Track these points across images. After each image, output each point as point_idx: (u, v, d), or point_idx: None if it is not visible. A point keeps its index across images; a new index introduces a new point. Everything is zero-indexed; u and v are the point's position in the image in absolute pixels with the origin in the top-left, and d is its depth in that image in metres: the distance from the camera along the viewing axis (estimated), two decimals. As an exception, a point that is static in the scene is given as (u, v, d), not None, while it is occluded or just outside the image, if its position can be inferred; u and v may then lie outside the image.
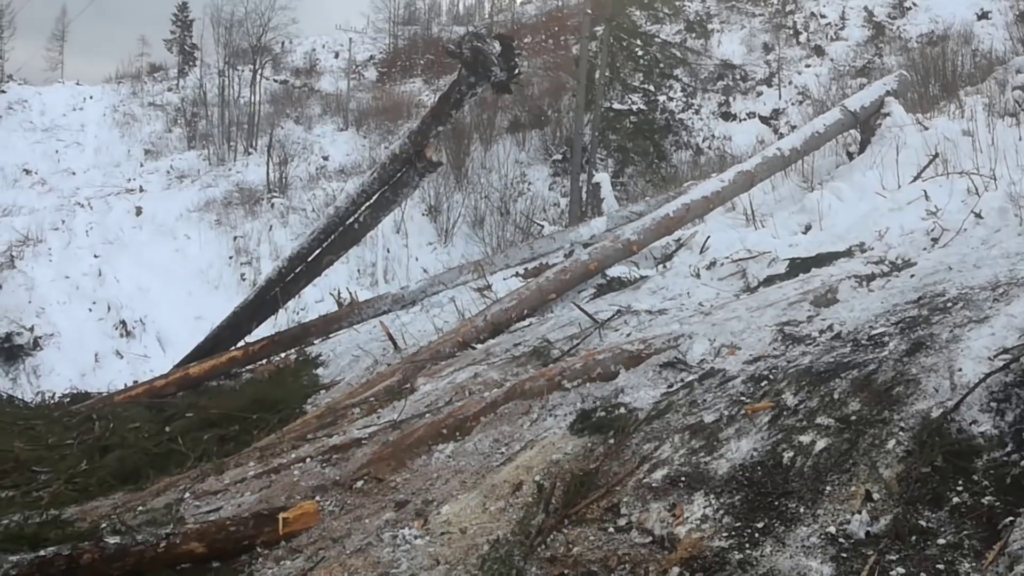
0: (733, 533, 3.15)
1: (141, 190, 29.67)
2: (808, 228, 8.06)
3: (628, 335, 5.97)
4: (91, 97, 39.60)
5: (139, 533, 3.97)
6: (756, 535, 3.10)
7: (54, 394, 10.59)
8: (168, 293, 22.85)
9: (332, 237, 9.83)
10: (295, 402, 7.43)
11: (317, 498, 4.41)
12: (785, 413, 3.83)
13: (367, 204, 9.50)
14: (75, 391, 10.75)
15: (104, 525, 4.38)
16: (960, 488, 3.00)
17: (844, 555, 2.87)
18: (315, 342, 9.94)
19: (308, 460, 5.02)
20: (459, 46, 8.26)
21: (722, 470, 3.58)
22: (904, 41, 25.49)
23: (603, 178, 14.66)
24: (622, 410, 4.58)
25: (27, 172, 30.60)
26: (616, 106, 25.23)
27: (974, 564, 2.68)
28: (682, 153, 25.11)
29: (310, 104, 37.79)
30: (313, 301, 17.42)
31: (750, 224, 8.81)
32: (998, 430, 3.21)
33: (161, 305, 22.24)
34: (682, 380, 4.81)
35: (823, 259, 6.76)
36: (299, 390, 7.88)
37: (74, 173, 31.42)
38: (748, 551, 3.02)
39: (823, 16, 29.15)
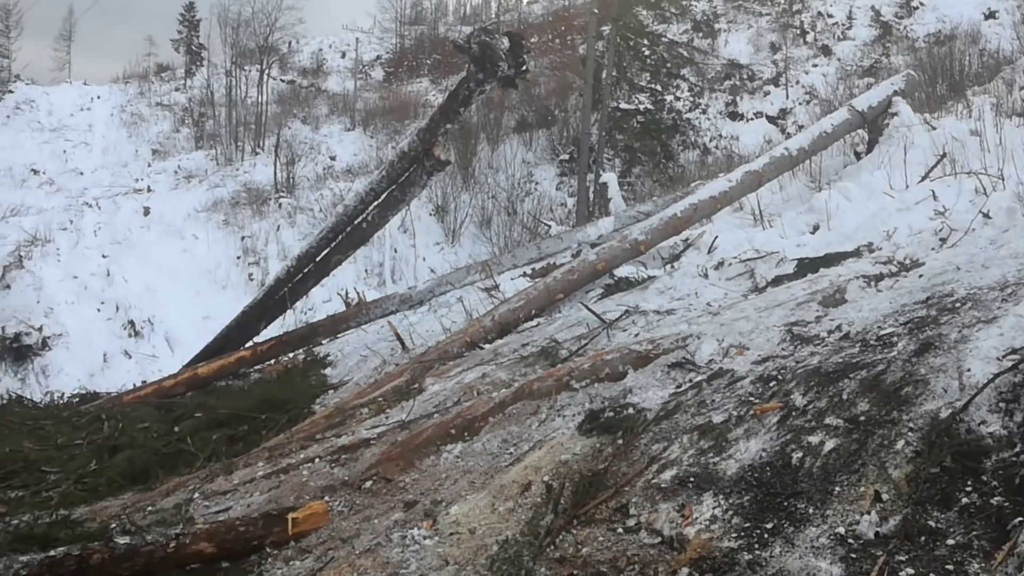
0: (742, 534, 3.15)
1: (149, 190, 29.77)
2: (816, 228, 8.06)
3: (636, 335, 5.97)
4: (98, 97, 39.76)
5: (149, 533, 3.98)
6: (765, 536, 3.10)
7: (63, 394, 10.60)
8: (176, 293, 22.92)
9: (341, 236, 9.83)
10: (304, 402, 7.44)
11: (326, 498, 4.41)
12: (794, 413, 3.83)
13: (375, 203, 9.50)
14: (84, 391, 10.76)
15: (114, 525, 4.40)
16: (969, 489, 3.00)
17: (853, 556, 2.86)
18: (323, 342, 9.95)
19: (317, 460, 5.03)
20: (468, 42, 8.26)
21: (731, 471, 3.58)
22: (911, 41, 25.46)
23: (610, 178, 14.65)
24: (630, 410, 4.57)
25: (35, 172, 30.73)
26: (623, 106, 25.23)
27: (983, 565, 2.67)
28: (689, 153, 25.10)
29: (317, 104, 37.88)
30: (321, 301, 17.45)
31: (758, 224, 8.80)
32: (1007, 430, 3.20)
33: (169, 305, 22.32)
34: (690, 380, 4.81)
35: (831, 259, 6.75)
36: (307, 390, 7.89)
37: (82, 173, 31.54)
38: (757, 552, 3.02)
39: (830, 16, 29.11)
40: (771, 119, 25.59)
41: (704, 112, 26.76)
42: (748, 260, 7.44)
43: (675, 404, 4.47)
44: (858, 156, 10.05)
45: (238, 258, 25.35)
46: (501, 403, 5.04)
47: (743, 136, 24.39)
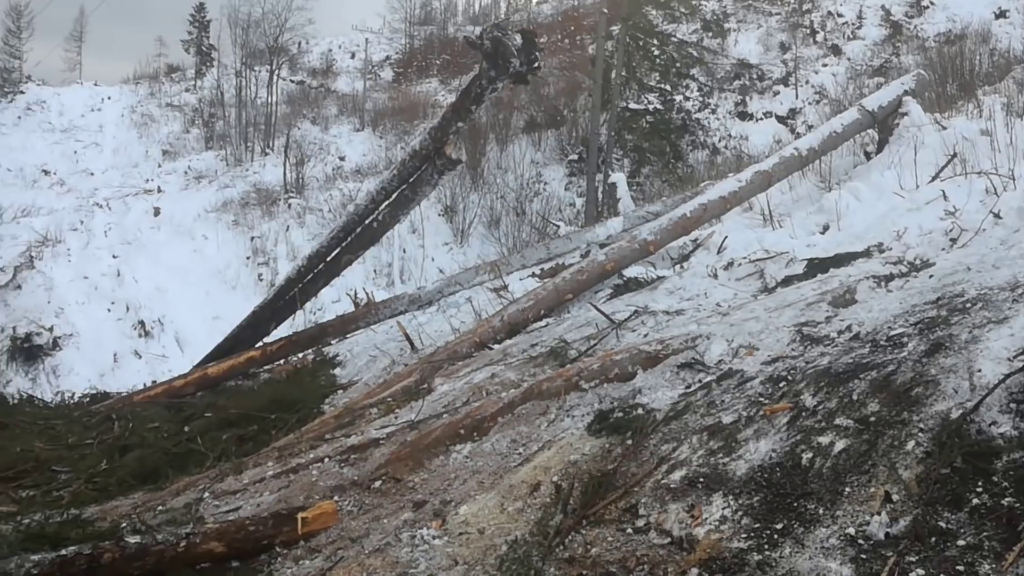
0: (752, 534, 3.14)
1: (159, 191, 29.88)
2: (826, 228, 8.04)
3: (645, 336, 5.96)
4: (109, 98, 39.94)
5: (159, 532, 3.99)
6: (775, 536, 3.09)
7: (73, 394, 10.65)
8: (186, 293, 23.00)
9: (351, 236, 9.84)
10: (313, 402, 7.45)
11: (335, 498, 4.42)
12: (804, 414, 3.82)
13: (387, 202, 9.50)
14: (94, 391, 10.81)
15: (124, 524, 4.41)
16: (980, 489, 2.99)
17: (863, 556, 2.86)
18: (332, 342, 9.96)
19: (326, 460, 5.04)
20: (480, 38, 8.25)
21: (741, 471, 3.58)
22: (921, 40, 25.38)
23: (619, 178, 14.65)
24: (640, 411, 4.57)
25: (46, 173, 30.88)
26: (632, 106, 25.20)
27: (994, 565, 2.67)
28: (699, 153, 25.06)
29: (326, 104, 37.96)
30: (330, 301, 17.48)
31: (767, 224, 8.78)
32: (1018, 431, 3.19)
33: (179, 305, 22.39)
34: (700, 381, 4.80)
35: (841, 259, 6.74)
36: (317, 390, 7.91)
37: (92, 174, 31.69)
38: (767, 552, 3.02)
39: (840, 15, 29.04)
40: (781, 119, 25.54)
41: (714, 112, 26.72)
42: (758, 260, 7.43)
43: (684, 404, 4.46)
44: (868, 156, 10.03)
45: (248, 258, 25.41)
46: (510, 403, 5.04)
47: (753, 136, 24.36)
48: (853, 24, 28.42)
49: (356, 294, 12.02)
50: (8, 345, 19.70)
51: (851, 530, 2.99)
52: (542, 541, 3.45)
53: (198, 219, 27.25)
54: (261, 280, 24.16)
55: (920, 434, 3.35)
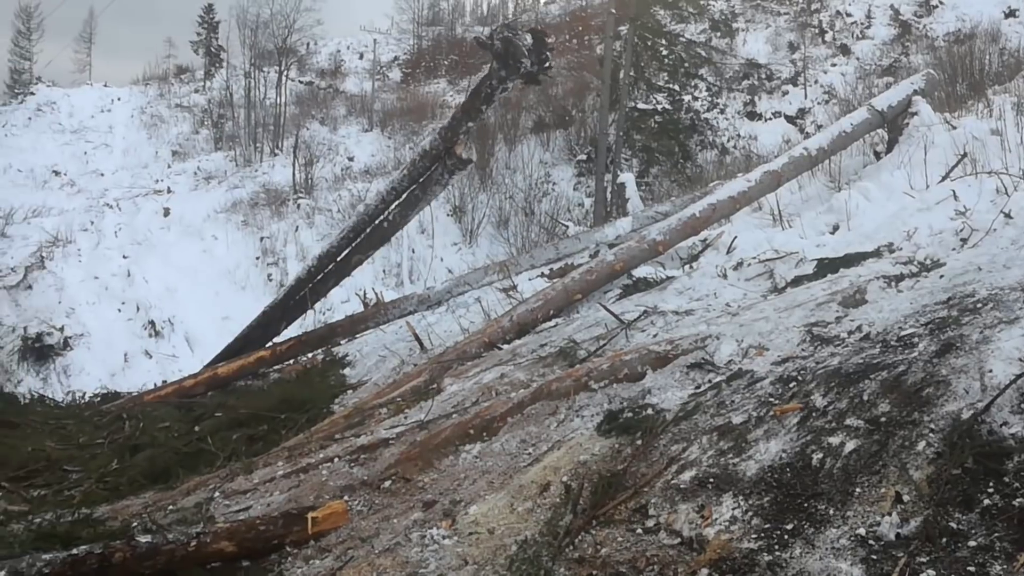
0: (762, 535, 3.14)
1: (169, 191, 29.95)
2: (836, 228, 8.02)
3: (655, 336, 5.96)
4: (119, 99, 40.06)
5: (170, 532, 4.00)
6: (785, 537, 3.09)
7: (84, 394, 10.70)
8: (196, 293, 23.04)
9: (361, 236, 9.85)
10: (323, 402, 7.47)
11: (345, 498, 4.43)
12: (814, 414, 3.82)
13: (397, 202, 9.51)
14: (105, 391, 10.86)
15: (135, 524, 4.43)
16: (991, 490, 2.98)
17: (874, 557, 2.85)
18: (342, 342, 9.98)
19: (336, 460, 5.05)
20: (491, 38, 8.24)
21: (751, 471, 3.57)
22: (931, 40, 25.28)
23: (628, 178, 14.63)
24: (649, 411, 4.57)
25: (56, 173, 30.98)
26: (641, 106, 25.17)
27: (1005, 566, 2.66)
28: (707, 153, 25.01)
29: (335, 105, 38.00)
30: (339, 301, 17.50)
31: (777, 224, 8.77)
32: (1030, 432, 3.18)
33: (189, 305, 22.44)
34: (710, 381, 4.80)
35: (851, 259, 6.72)
36: (327, 390, 7.93)
37: (102, 174, 31.78)
38: (777, 553, 3.02)
39: (849, 15, 28.95)
40: (790, 119, 25.47)
41: (722, 112, 26.67)
42: (767, 260, 7.42)
43: (694, 405, 4.46)
44: (878, 156, 10.00)
45: (257, 259, 25.45)
46: (520, 403, 5.05)
47: (762, 136, 24.30)
48: (862, 24, 28.33)
49: (365, 294, 12.06)
50: (19, 345, 19.76)
51: (862, 531, 2.99)
52: (552, 541, 3.45)
53: (208, 219, 27.31)
54: (270, 280, 24.20)
55: (931, 435, 3.34)
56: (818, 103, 25.21)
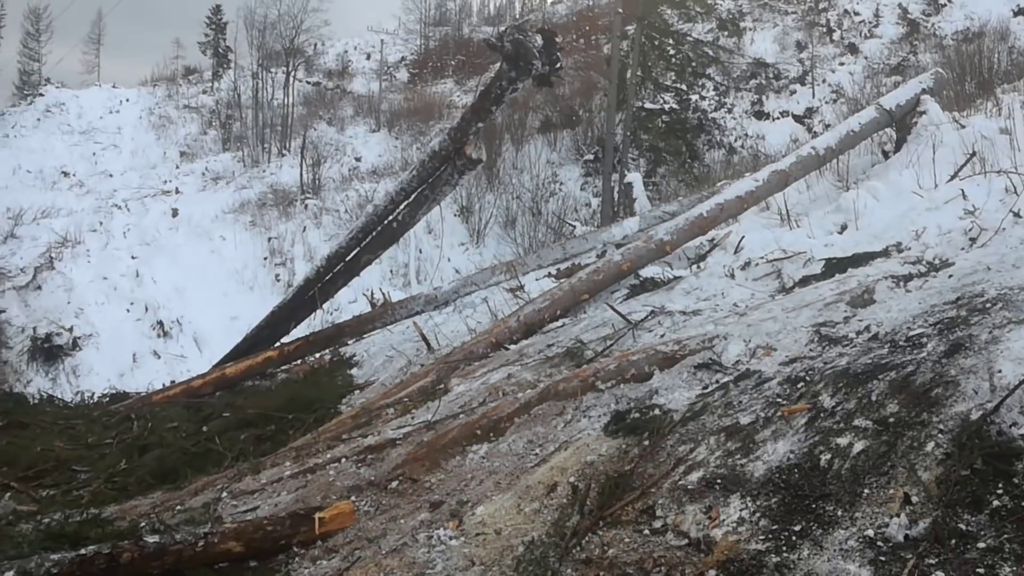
0: (770, 536, 3.13)
1: (177, 192, 30.05)
2: (844, 228, 8.00)
3: (662, 336, 5.95)
4: (127, 100, 40.18)
5: (177, 532, 4.01)
6: (793, 538, 3.08)
7: (93, 394, 10.74)
8: (204, 294, 23.13)
9: (371, 236, 9.87)
10: (330, 402, 7.48)
11: (352, 498, 4.43)
12: (822, 415, 3.80)
13: (406, 202, 9.52)
14: (114, 391, 10.89)
15: (143, 524, 4.44)
16: (1000, 491, 2.96)
17: (883, 558, 2.84)
18: (349, 342, 10.00)
19: (343, 460, 5.05)
20: (501, 40, 8.22)
21: (758, 472, 3.56)
22: (939, 38, 25.23)
23: (635, 178, 14.63)
24: (657, 411, 4.56)
25: (65, 174, 31.10)
26: (648, 105, 25.17)
27: (1015, 568, 2.64)
28: (715, 152, 25.01)
29: (342, 106, 38.07)
30: (347, 301, 17.52)
31: (785, 224, 8.74)
32: (1039, 433, 3.17)
33: (197, 306, 22.52)
34: (717, 381, 4.78)
35: (859, 259, 6.70)
36: (334, 390, 7.94)
37: (111, 175, 31.89)
38: (785, 554, 3.01)
39: (857, 14, 28.90)
40: (797, 118, 25.44)
41: (730, 111, 26.64)
42: (775, 260, 7.40)
43: (702, 405, 4.45)
44: (886, 155, 9.97)
45: (265, 259, 25.52)
46: (527, 404, 5.04)
47: (769, 135, 24.28)
48: (870, 22, 28.28)
49: (373, 294, 12.06)
50: (29, 345, 19.88)
51: (870, 532, 2.98)
52: (559, 542, 3.45)
53: (216, 220, 27.40)
54: (278, 281, 24.28)
55: (940, 435, 3.32)
56: (826, 102, 25.17)
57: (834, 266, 6.72)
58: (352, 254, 10.06)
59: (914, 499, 3.05)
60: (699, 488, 3.61)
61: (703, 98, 26.36)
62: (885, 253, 6.71)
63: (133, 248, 25.29)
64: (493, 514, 3.83)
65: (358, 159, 32.30)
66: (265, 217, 27.38)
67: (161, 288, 23.14)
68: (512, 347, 7.07)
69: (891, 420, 3.54)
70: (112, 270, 23.57)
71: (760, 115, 26.53)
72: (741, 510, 3.34)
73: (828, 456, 3.48)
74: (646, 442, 4.20)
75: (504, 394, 5.58)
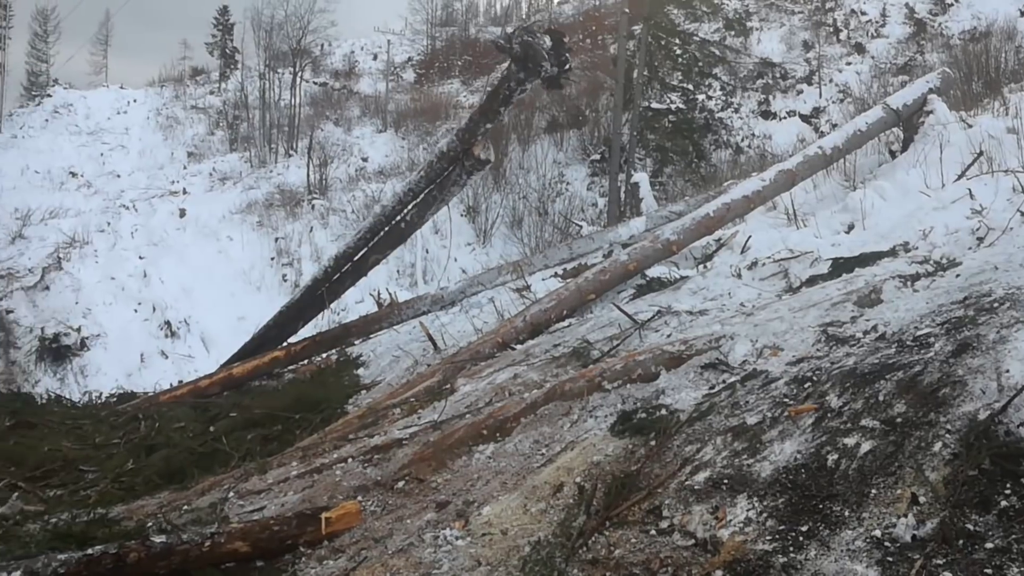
0: (777, 536, 3.12)
1: (184, 192, 30.11)
2: (851, 227, 7.98)
3: (669, 336, 5.94)
4: (135, 100, 40.31)
5: (184, 532, 4.01)
6: (800, 538, 3.07)
7: (101, 394, 10.76)
8: (211, 294, 23.18)
9: (378, 236, 9.87)
10: (337, 402, 7.48)
11: (359, 498, 4.44)
12: (829, 415, 3.80)
13: (414, 203, 9.52)
14: (121, 391, 10.91)
15: (150, 524, 4.45)
16: (1008, 491, 2.95)
17: (890, 559, 2.84)
18: (356, 342, 10.00)
19: (350, 460, 5.06)
20: (509, 41, 8.20)
21: (765, 473, 3.56)
22: (946, 38, 25.16)
23: (642, 178, 14.61)
24: (663, 411, 4.55)
25: (73, 175, 31.19)
26: (654, 105, 25.15)
27: (1023, 569, 2.64)
28: (721, 152, 24.97)
29: (349, 106, 38.12)
30: (353, 302, 17.55)
31: (792, 223, 8.73)
32: (1047, 433, 3.16)
33: (204, 306, 22.57)
34: (724, 381, 4.78)
35: (866, 259, 6.68)
36: (340, 390, 7.94)
37: (119, 176, 31.98)
38: (792, 554, 3.00)
39: (864, 13, 28.83)
40: (804, 118, 25.38)
41: (736, 111, 26.60)
42: (782, 260, 7.39)
43: (708, 405, 4.44)
44: (893, 155, 9.95)
45: (272, 259, 25.56)
46: (533, 404, 5.04)
47: (776, 135, 24.24)
48: (877, 22, 28.21)
49: (379, 294, 12.07)
50: (36, 345, 19.94)
51: (877, 532, 2.97)
52: (565, 542, 3.45)
53: (223, 220, 27.45)
54: (285, 281, 24.31)
55: (947, 435, 3.32)
56: (833, 102, 25.12)
57: (841, 266, 6.71)
58: (360, 254, 10.06)
59: (922, 499, 3.05)
60: (706, 488, 3.60)
61: (710, 98, 26.32)
62: (892, 253, 6.70)
63: (141, 248, 25.36)
64: (499, 514, 3.83)
65: (365, 159, 32.32)
66: (272, 217, 27.42)
67: (169, 288, 23.20)
68: (518, 347, 7.07)
69: (898, 420, 3.54)
70: (120, 270, 23.63)
71: (767, 115, 26.49)
72: (748, 510, 3.33)
73: (835, 456, 3.47)
74: (652, 442, 4.20)
75: (510, 394, 5.57)
